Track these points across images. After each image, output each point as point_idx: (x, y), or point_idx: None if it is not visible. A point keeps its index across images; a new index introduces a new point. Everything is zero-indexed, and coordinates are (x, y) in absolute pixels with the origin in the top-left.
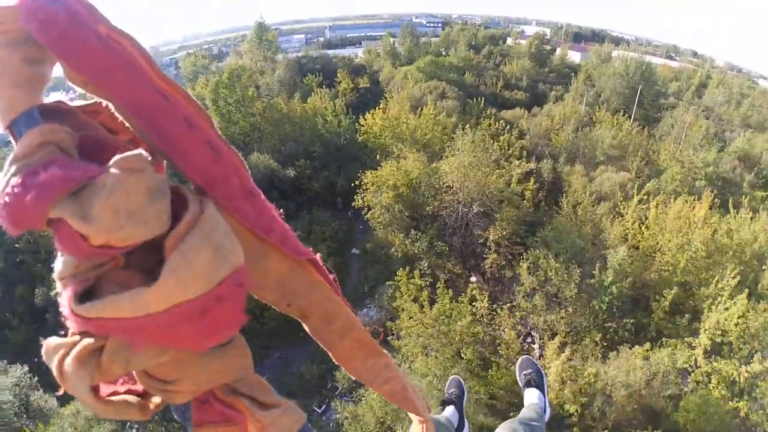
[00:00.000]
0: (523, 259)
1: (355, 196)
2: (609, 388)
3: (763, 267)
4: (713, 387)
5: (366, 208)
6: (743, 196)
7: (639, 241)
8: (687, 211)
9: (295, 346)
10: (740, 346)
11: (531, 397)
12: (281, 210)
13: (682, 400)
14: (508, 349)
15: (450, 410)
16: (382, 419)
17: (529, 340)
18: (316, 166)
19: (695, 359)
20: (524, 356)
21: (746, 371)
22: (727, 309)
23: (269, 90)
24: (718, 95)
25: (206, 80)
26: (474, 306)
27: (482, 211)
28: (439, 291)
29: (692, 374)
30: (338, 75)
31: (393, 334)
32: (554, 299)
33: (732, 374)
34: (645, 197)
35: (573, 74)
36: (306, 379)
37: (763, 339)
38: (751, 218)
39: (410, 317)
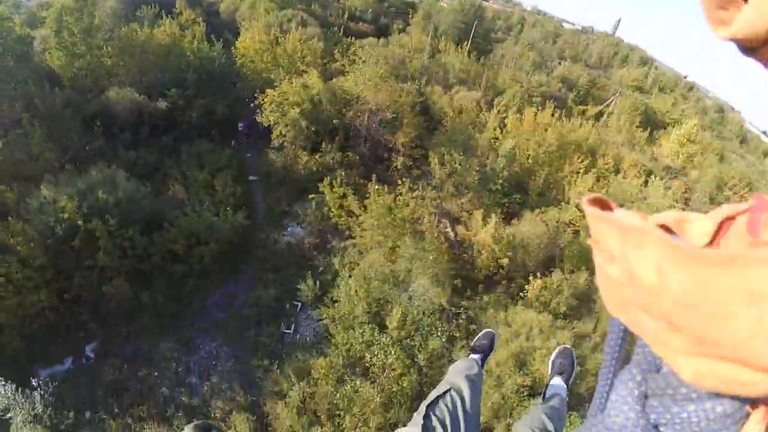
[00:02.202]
0: (430, 157)
1: (237, 123)
2: (525, 241)
3: (597, 155)
4: (583, 237)
5: (265, 130)
6: (570, 109)
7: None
8: (538, 117)
9: (230, 280)
10: None
11: (558, 386)
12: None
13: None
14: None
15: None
16: (368, 309)
17: (441, 225)
18: (190, 96)
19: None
20: (565, 346)
21: None
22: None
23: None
24: (536, 33)
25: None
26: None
27: (390, 118)
28: (372, 191)
29: (567, 230)
30: (177, 6)
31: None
32: (460, 186)
33: None
34: (502, 108)
35: (411, 10)
36: (264, 305)
37: None
38: (579, 125)
39: (358, 216)
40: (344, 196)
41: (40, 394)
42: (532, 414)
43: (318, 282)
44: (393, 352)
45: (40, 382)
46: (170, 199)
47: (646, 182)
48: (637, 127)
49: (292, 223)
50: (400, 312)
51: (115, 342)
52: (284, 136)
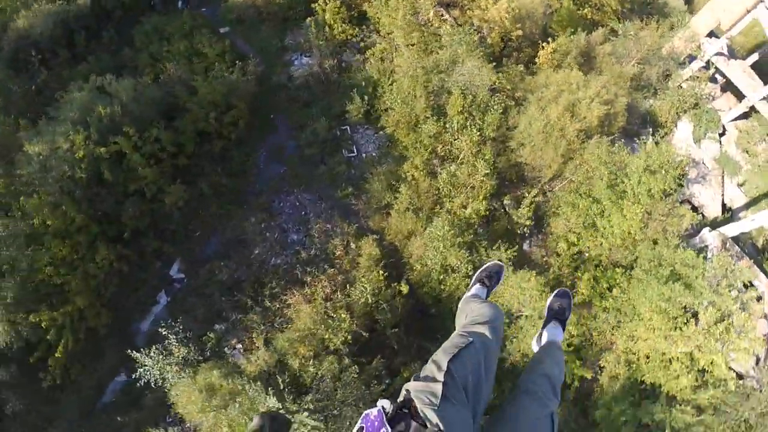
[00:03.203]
0: None
1: None
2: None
3: None
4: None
5: None
6: None
7: None
8: None
9: (267, 134)
10: None
11: (555, 332)
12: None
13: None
14: None
15: (482, 291)
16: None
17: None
18: None
19: None
20: (564, 289)
21: None
22: None
23: None
24: None
25: None
26: None
27: None
28: None
29: None
30: None
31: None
32: None
33: None
34: None
35: None
36: (319, 140)
37: None
38: None
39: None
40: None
41: (166, 345)
42: (540, 376)
43: (365, 97)
44: (465, 133)
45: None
46: (171, 80)
47: None
48: None
49: (296, 55)
50: (460, 96)
51: (195, 250)
52: None
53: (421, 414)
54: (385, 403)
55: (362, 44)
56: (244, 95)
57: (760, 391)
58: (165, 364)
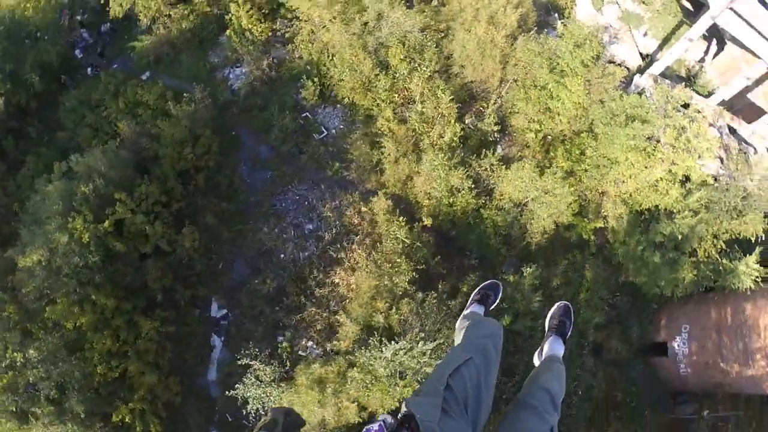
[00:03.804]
0: None
1: None
2: None
3: None
4: None
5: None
6: None
7: None
8: None
9: (238, 150)
10: None
11: (556, 346)
12: None
13: None
14: None
15: (480, 309)
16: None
17: None
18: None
19: None
20: (565, 303)
21: None
22: None
23: None
24: None
25: None
26: None
27: None
28: None
29: None
30: None
31: None
32: None
33: None
34: None
35: None
36: (292, 130)
37: None
38: None
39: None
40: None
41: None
42: (540, 389)
43: (314, 79)
44: (415, 75)
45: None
46: (131, 136)
47: None
48: None
49: (228, 70)
50: (398, 45)
51: (226, 281)
52: (147, 9)
53: (422, 428)
54: (387, 418)
55: (287, 35)
56: (205, 121)
57: (734, 179)
58: (265, 388)
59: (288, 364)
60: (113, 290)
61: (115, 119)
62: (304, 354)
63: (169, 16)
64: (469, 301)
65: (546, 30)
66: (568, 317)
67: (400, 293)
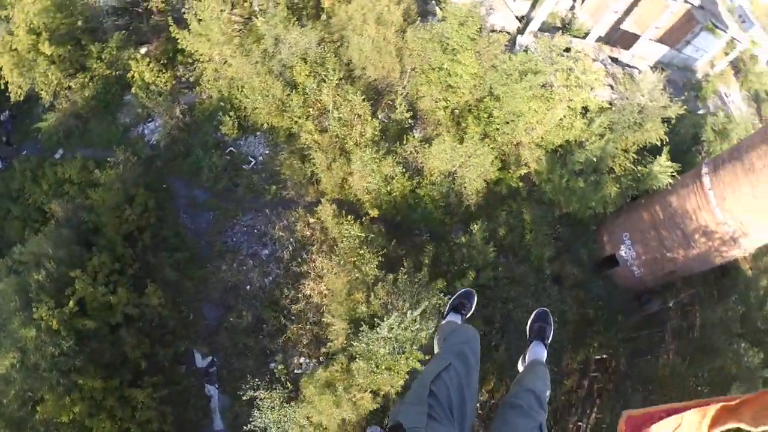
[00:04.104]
0: None
1: None
2: None
3: None
4: None
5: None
6: None
7: None
8: None
9: (171, 198)
10: None
11: (538, 350)
12: None
13: None
14: None
15: (456, 317)
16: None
17: None
18: None
19: None
20: (543, 309)
21: None
22: None
23: None
24: None
25: None
26: None
27: None
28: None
29: None
30: None
31: None
32: None
33: None
34: None
35: None
36: (222, 167)
37: None
38: None
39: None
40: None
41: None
42: (525, 390)
43: (230, 114)
44: (323, 86)
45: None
46: (66, 214)
47: None
48: None
49: (141, 127)
50: (301, 63)
51: (201, 328)
52: (47, 84)
53: None
54: (376, 429)
55: (192, 78)
56: (135, 180)
57: (627, 99)
58: (279, 410)
59: (290, 385)
60: (96, 370)
61: (42, 203)
62: (300, 371)
63: (70, 87)
64: (445, 311)
65: (429, 17)
66: (547, 321)
67: (372, 281)
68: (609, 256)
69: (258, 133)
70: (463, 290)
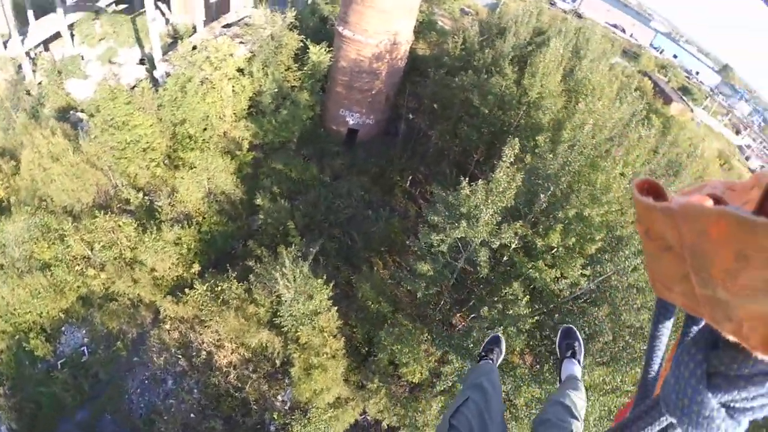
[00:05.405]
0: None
1: None
2: None
3: None
4: None
5: None
6: None
7: None
8: None
9: None
10: None
11: (570, 367)
12: None
13: None
14: None
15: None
16: None
17: None
18: None
19: None
20: (568, 326)
21: None
22: None
23: None
24: None
25: None
26: None
27: None
28: None
29: None
30: None
31: None
32: None
33: None
34: None
35: None
36: None
37: None
38: None
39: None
40: None
41: None
42: (553, 404)
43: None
44: None
45: None
46: None
47: None
48: None
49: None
50: None
51: None
52: None
53: None
54: None
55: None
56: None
57: (258, 38)
58: None
59: (291, 423)
60: None
61: None
62: (287, 406)
63: None
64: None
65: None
66: (574, 338)
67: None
68: (348, 131)
69: None
70: (491, 336)
